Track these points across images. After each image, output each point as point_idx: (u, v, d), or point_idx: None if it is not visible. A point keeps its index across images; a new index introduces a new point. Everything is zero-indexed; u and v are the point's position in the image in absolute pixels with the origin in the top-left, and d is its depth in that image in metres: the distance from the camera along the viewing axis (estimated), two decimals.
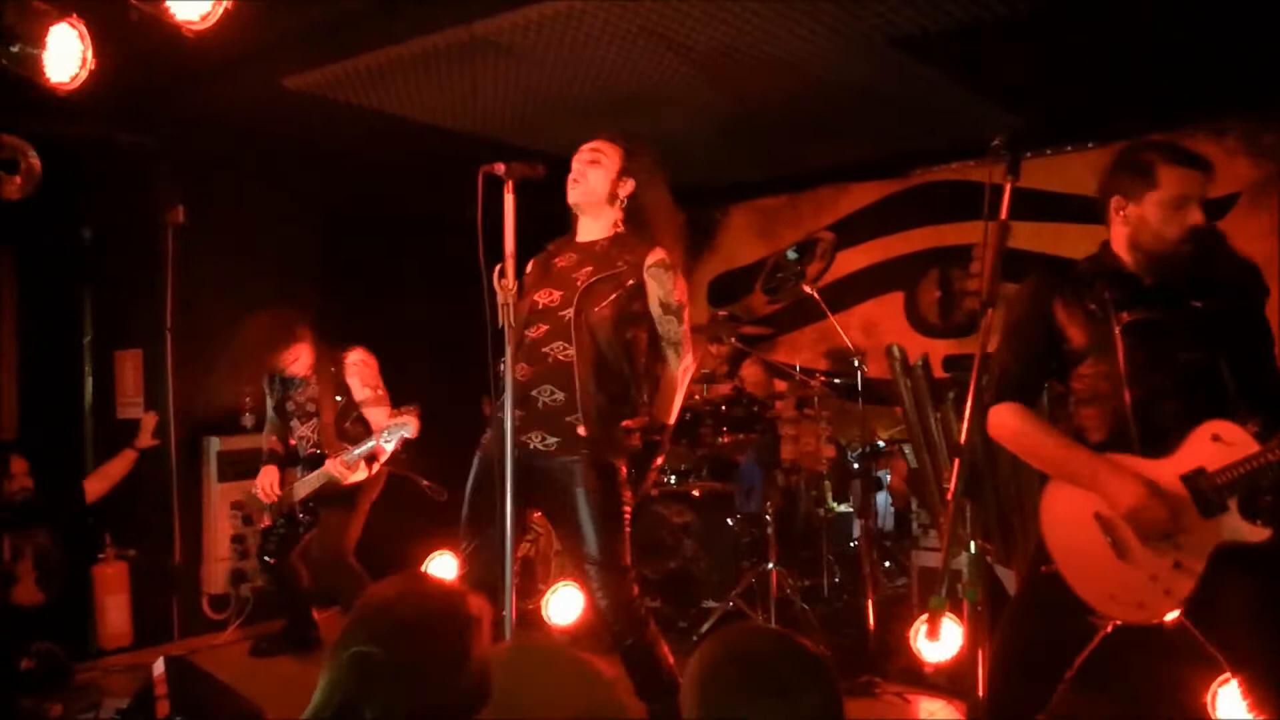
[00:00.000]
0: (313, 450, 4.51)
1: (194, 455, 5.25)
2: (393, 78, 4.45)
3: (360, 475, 4.34)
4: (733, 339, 5.48)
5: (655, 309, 3.13)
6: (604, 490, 3.01)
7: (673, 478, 5.25)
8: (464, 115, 5.01)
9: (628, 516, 3.08)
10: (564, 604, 4.77)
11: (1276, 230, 4.91)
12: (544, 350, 3.05)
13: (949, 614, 3.36)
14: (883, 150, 5.93)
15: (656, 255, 3.10)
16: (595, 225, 3.19)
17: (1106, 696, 3.24)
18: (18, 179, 3.77)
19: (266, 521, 4.66)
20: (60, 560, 4.65)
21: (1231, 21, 3.93)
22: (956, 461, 2.06)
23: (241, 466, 5.11)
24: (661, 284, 3.11)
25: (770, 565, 4.52)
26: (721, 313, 6.20)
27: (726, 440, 5.18)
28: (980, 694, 2.17)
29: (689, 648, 3.14)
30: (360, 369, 4.53)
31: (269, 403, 4.74)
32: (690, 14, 3.80)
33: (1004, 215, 2.15)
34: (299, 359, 4.54)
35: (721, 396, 5.20)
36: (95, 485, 4.77)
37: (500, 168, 2.77)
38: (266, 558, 4.64)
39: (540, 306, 3.10)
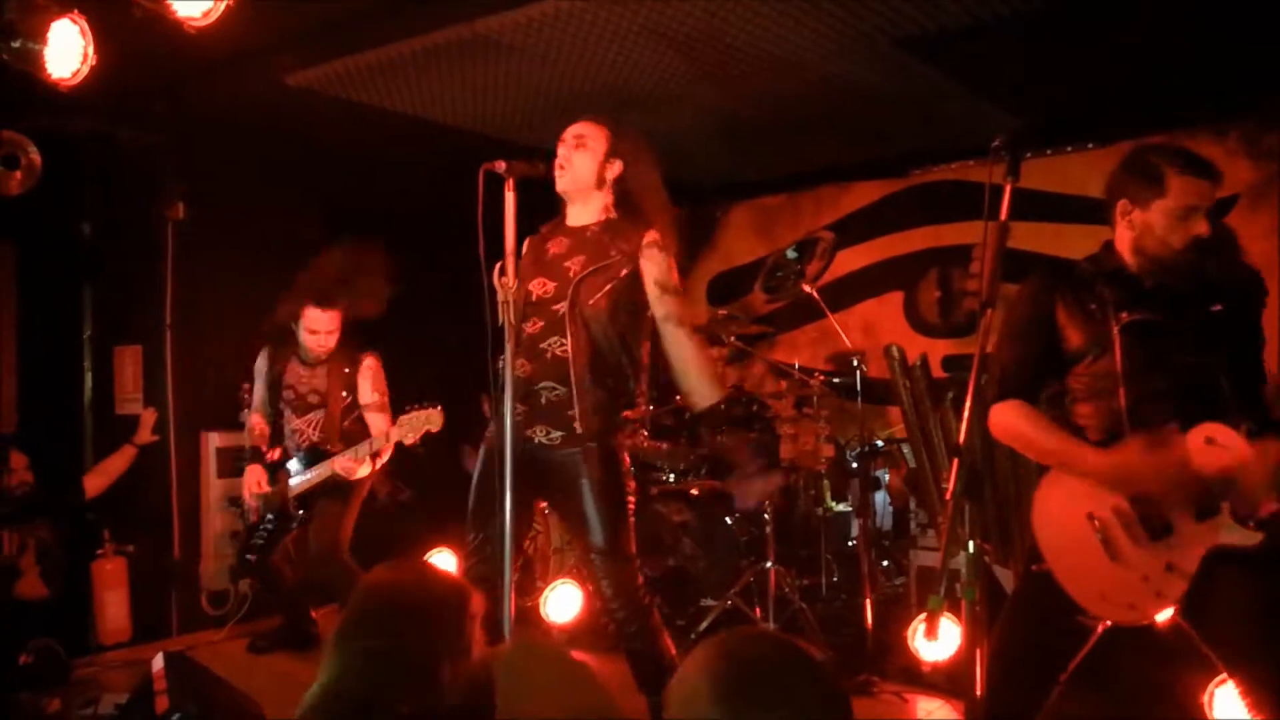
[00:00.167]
0: (309, 444, 4.49)
1: (193, 451, 5.25)
2: (395, 75, 4.45)
3: (365, 470, 4.34)
4: (732, 338, 5.48)
5: (652, 290, 3.07)
6: (608, 481, 3.03)
7: (671, 477, 5.26)
8: (465, 112, 5.01)
9: (632, 506, 3.10)
10: (562, 601, 4.79)
11: (1277, 231, 4.92)
12: (541, 346, 3.04)
13: (947, 613, 3.36)
14: (883, 150, 5.94)
15: (650, 237, 3.06)
16: (585, 210, 3.15)
17: (1104, 697, 3.24)
18: (18, 174, 3.78)
19: (253, 518, 4.58)
20: (62, 555, 4.66)
21: (1232, 22, 3.94)
22: (955, 461, 2.06)
23: (240, 463, 5.09)
24: (657, 264, 3.05)
25: (768, 564, 4.52)
26: (721, 312, 6.20)
27: (725, 439, 5.18)
28: (978, 693, 2.17)
29: (687, 646, 3.15)
30: (374, 373, 4.54)
31: (261, 383, 4.65)
32: (692, 13, 3.81)
33: (1004, 216, 2.15)
34: (333, 333, 4.42)
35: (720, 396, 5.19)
36: (95, 481, 4.78)
37: (501, 165, 2.76)
38: (248, 555, 4.59)
39: (534, 298, 3.07)
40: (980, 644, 2.10)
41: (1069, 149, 5.47)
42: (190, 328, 5.20)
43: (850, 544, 5.33)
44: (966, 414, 2.08)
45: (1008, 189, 2.16)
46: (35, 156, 3.80)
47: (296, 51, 4.25)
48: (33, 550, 4.53)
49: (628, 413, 3.10)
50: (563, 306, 3.02)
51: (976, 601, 2.06)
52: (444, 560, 5.19)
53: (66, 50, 3.25)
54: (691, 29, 3.95)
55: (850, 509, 5.33)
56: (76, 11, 3.24)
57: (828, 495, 5.21)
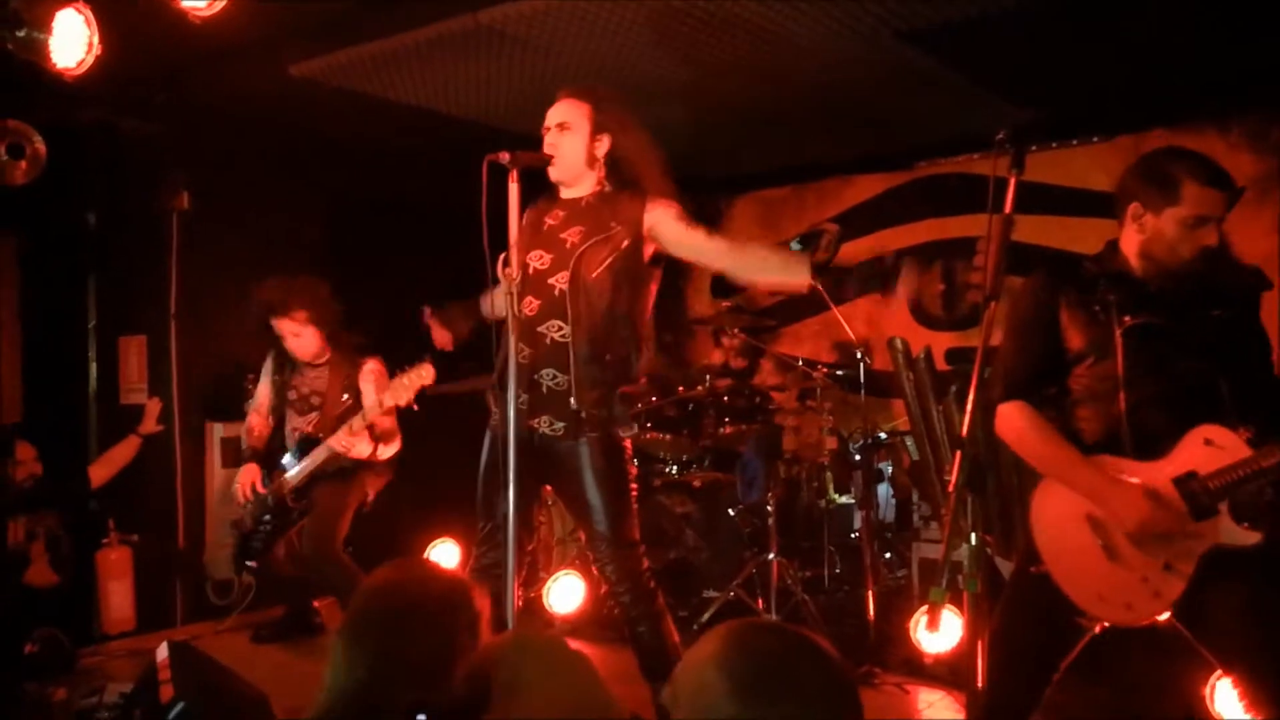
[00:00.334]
0: (303, 436, 4.47)
1: (197, 441, 5.26)
2: (398, 65, 4.44)
3: (364, 449, 4.28)
4: (737, 329, 5.48)
5: (676, 243, 3.06)
6: (611, 471, 3.05)
7: (674, 468, 5.26)
8: (468, 103, 5.01)
9: (634, 492, 3.13)
10: (565, 592, 4.80)
11: (1279, 226, 4.91)
12: (540, 330, 3.03)
13: (949, 606, 3.37)
14: (887, 142, 5.92)
15: (654, 205, 3.05)
16: (579, 187, 3.15)
17: (1105, 691, 3.25)
18: (23, 164, 3.78)
19: (248, 525, 4.53)
20: (71, 543, 4.68)
21: (1237, 15, 3.92)
22: (958, 454, 2.06)
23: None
24: (671, 226, 3.05)
25: (771, 556, 4.53)
26: (725, 304, 6.20)
27: (728, 431, 5.19)
28: (979, 686, 2.18)
29: (690, 637, 3.16)
30: (376, 376, 4.49)
31: (267, 384, 4.67)
32: (695, 5, 3.80)
33: (1008, 209, 2.15)
34: (300, 337, 4.45)
35: (724, 387, 5.21)
36: (100, 471, 4.79)
37: (505, 156, 2.76)
38: (249, 563, 4.57)
39: (531, 271, 3.06)
40: (982, 636, 2.11)
41: (1073, 142, 5.46)
42: (195, 318, 5.21)
43: (853, 536, 5.34)
44: (969, 407, 2.09)
45: (1012, 182, 2.16)
46: (40, 146, 3.79)
47: (301, 42, 4.25)
48: (42, 538, 4.55)
49: (627, 388, 3.08)
50: (558, 281, 3.01)
51: (979, 593, 2.06)
52: (448, 551, 5.21)
53: (71, 40, 3.24)
54: (696, 22, 3.94)
55: (853, 501, 5.33)
56: (81, 1, 3.24)
57: (830, 487, 5.22)
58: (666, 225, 3.05)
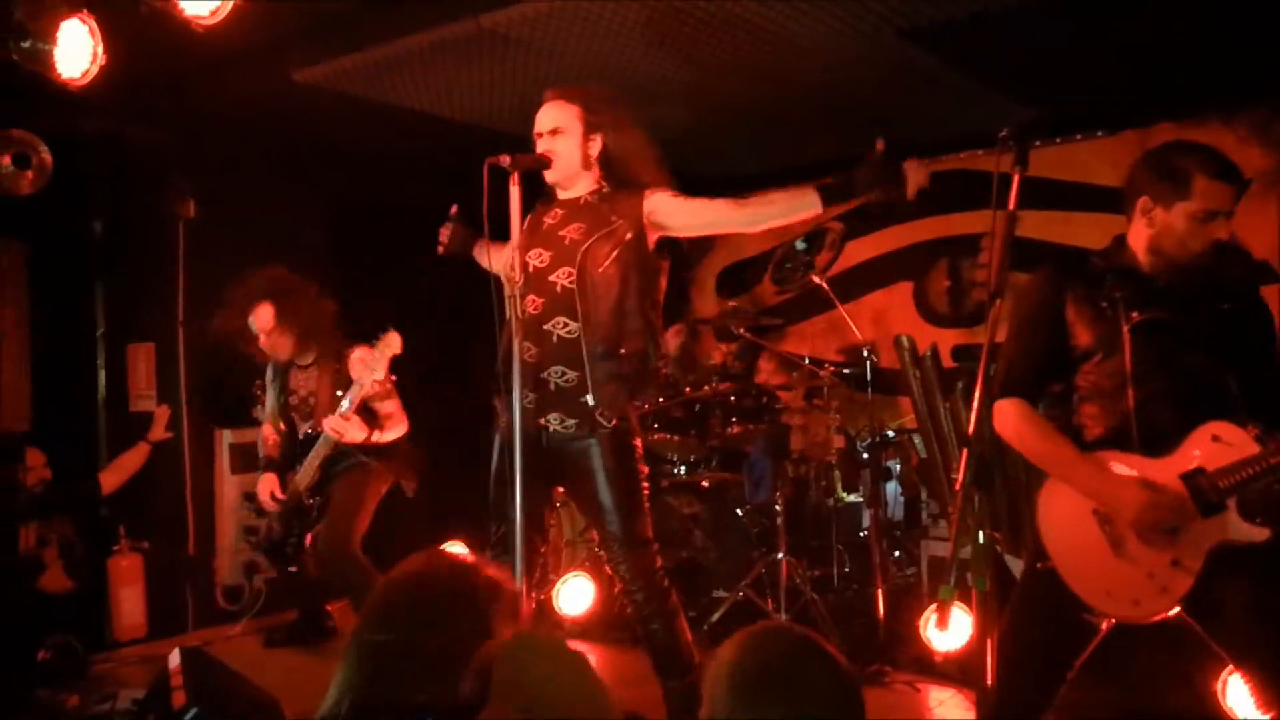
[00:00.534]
0: (304, 435, 4.48)
1: (207, 448, 5.28)
2: (401, 70, 4.46)
3: (359, 434, 4.23)
4: (743, 330, 5.48)
5: (680, 219, 3.06)
6: (622, 470, 3.05)
7: (682, 469, 5.26)
8: (471, 107, 5.02)
9: (646, 491, 3.13)
10: (575, 594, 4.80)
11: None
12: (546, 328, 3.02)
13: (958, 603, 3.36)
14: (890, 140, 5.91)
15: (651, 193, 3.06)
16: (576, 188, 3.15)
17: (1116, 687, 3.24)
18: (29, 174, 3.80)
19: (279, 533, 4.53)
20: (84, 548, 4.70)
21: (1242, 9, 3.92)
22: (965, 451, 2.06)
23: (254, 459, 5.11)
24: (670, 204, 3.05)
25: (780, 555, 4.53)
26: (730, 304, 6.20)
27: (735, 431, 5.19)
28: (989, 683, 2.18)
29: (699, 636, 3.17)
30: (363, 365, 4.42)
31: (270, 392, 4.67)
32: (696, 6, 3.80)
33: (1012, 205, 2.15)
34: (270, 335, 4.40)
35: (731, 388, 5.20)
36: (110, 478, 4.80)
37: (506, 159, 2.77)
38: (290, 568, 4.57)
39: (531, 269, 3.05)
40: (991, 634, 2.10)
41: (1078, 137, 5.45)
42: (203, 324, 5.22)
43: (861, 534, 5.33)
44: (976, 404, 2.08)
45: (1016, 178, 2.15)
46: (46, 156, 3.81)
47: (304, 48, 4.26)
48: (55, 544, 4.57)
49: (648, 379, 3.09)
50: (560, 277, 3.01)
51: (987, 591, 2.06)
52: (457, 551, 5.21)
53: (76, 50, 3.26)
54: (697, 23, 3.95)
55: (861, 500, 5.32)
56: (85, 11, 3.25)
57: (839, 486, 5.21)
58: (665, 205, 3.05)
